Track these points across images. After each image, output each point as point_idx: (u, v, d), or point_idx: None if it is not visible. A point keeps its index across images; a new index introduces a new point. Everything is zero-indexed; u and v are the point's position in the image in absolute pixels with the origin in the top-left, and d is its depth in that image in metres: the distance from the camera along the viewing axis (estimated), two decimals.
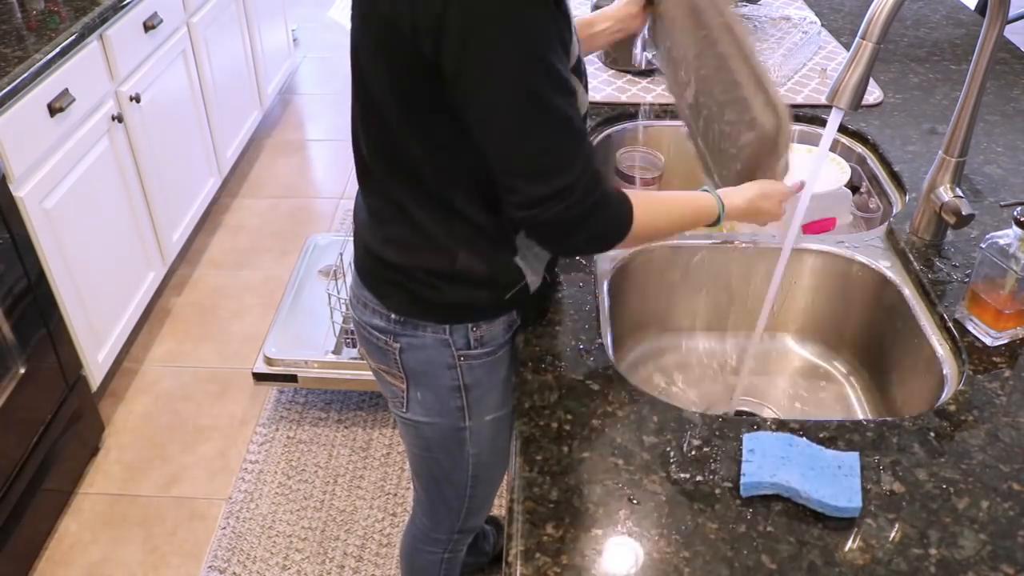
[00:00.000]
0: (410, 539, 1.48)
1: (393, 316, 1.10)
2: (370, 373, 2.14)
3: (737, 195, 1.14)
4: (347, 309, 2.26)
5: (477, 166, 0.95)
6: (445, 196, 1.01)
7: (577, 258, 1.23)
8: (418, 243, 1.04)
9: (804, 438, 0.93)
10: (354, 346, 2.18)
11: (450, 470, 1.27)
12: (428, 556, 1.46)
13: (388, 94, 0.96)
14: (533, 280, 1.09)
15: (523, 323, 1.14)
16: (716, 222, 1.11)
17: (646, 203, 1.03)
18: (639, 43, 1.70)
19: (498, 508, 1.99)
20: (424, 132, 0.96)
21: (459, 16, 0.84)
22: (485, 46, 0.85)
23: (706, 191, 1.13)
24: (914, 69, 1.82)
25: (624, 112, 1.64)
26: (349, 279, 2.32)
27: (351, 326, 2.21)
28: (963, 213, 1.19)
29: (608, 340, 1.10)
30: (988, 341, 1.09)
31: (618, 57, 1.76)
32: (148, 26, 2.39)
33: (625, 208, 0.99)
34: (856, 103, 1.09)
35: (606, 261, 1.25)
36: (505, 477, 1.20)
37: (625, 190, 1.02)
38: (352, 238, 1.19)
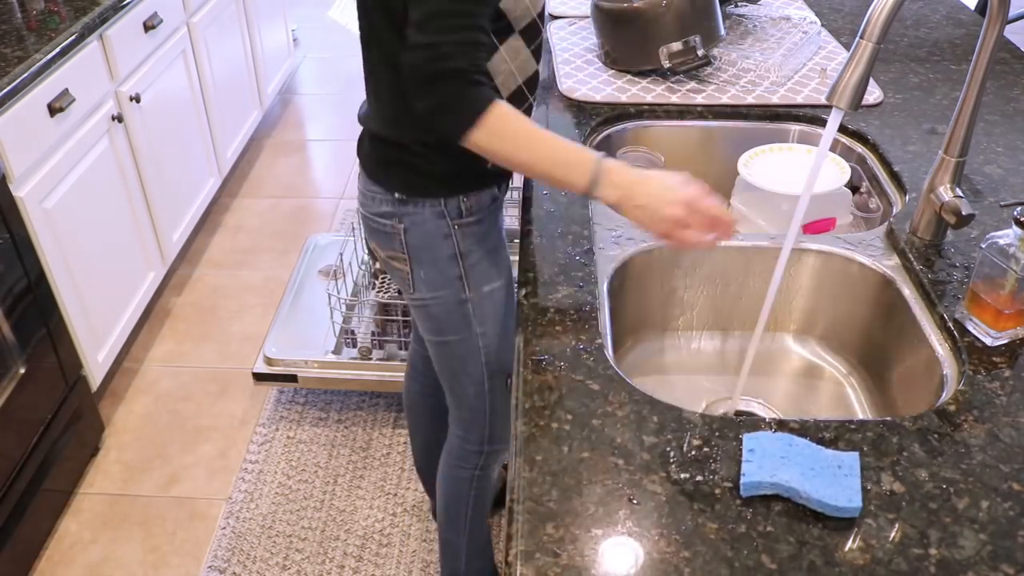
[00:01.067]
0: (445, 456, 1.56)
1: (396, 195, 1.24)
2: (370, 373, 2.16)
3: (627, 173, 1.06)
4: (347, 309, 2.26)
5: None
6: None
7: (577, 254, 1.23)
8: (409, 119, 1.15)
9: (804, 438, 0.93)
10: (354, 346, 2.19)
11: (464, 357, 1.37)
12: (461, 472, 1.53)
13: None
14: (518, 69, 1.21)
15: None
16: (587, 190, 1.06)
17: (515, 118, 1.06)
18: None
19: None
20: (399, 24, 1.09)
21: None
22: None
23: (601, 157, 1.07)
24: (914, 69, 1.82)
25: (624, 112, 1.64)
26: (349, 278, 2.33)
27: (351, 326, 2.21)
28: (963, 213, 1.19)
29: (608, 340, 1.10)
30: (988, 341, 1.09)
31: (618, 57, 1.76)
32: (148, 26, 2.39)
33: (482, 98, 1.04)
34: (856, 103, 1.09)
35: (606, 261, 1.25)
36: (505, 477, 1.20)
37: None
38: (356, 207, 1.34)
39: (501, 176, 1.29)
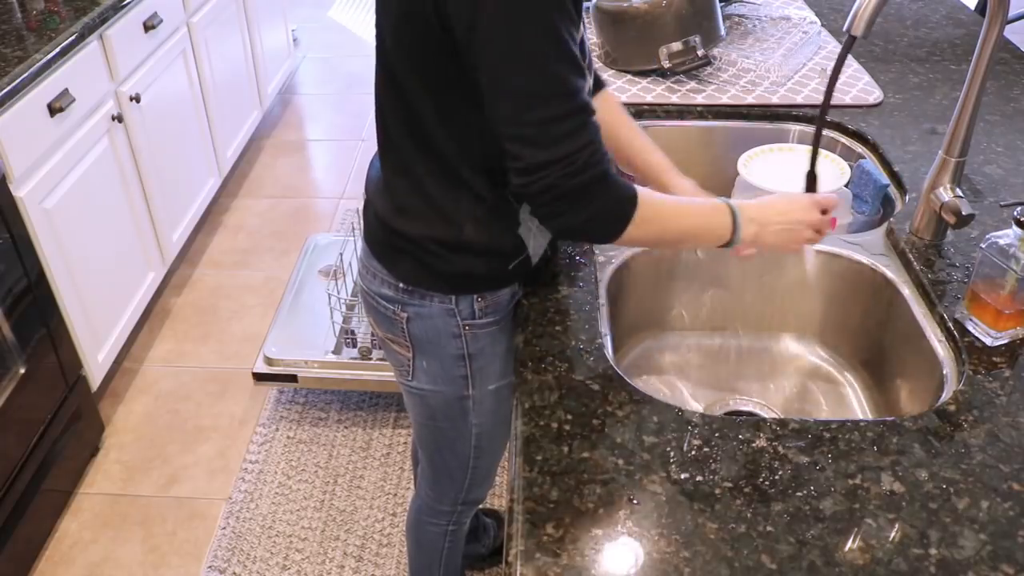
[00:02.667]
0: (415, 512, 1.51)
1: (401, 285, 1.13)
2: (370, 373, 2.16)
3: (753, 206, 1.08)
4: (347, 309, 2.26)
5: (489, 142, 0.97)
6: (456, 169, 1.04)
7: (577, 254, 1.23)
8: (428, 213, 1.07)
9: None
10: (354, 346, 2.18)
11: (454, 439, 1.30)
12: (432, 529, 1.48)
13: (409, 71, 0.99)
14: (536, 252, 1.12)
15: (532, 287, 1.17)
16: (730, 242, 1.07)
17: (654, 199, 1.02)
18: None
19: (497, 499, 1.99)
20: (440, 107, 1.00)
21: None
22: (502, 20, 0.88)
23: (724, 201, 1.08)
24: (914, 69, 1.82)
25: None
26: (349, 278, 2.32)
27: (351, 326, 2.21)
28: (963, 213, 1.19)
29: (608, 340, 1.10)
30: (988, 341, 1.09)
31: (618, 57, 1.76)
32: (148, 26, 2.39)
33: (628, 194, 0.99)
34: (867, 30, 1.09)
35: (606, 261, 1.25)
36: (506, 476, 1.20)
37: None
38: (361, 219, 1.23)
39: (524, 276, 1.15)
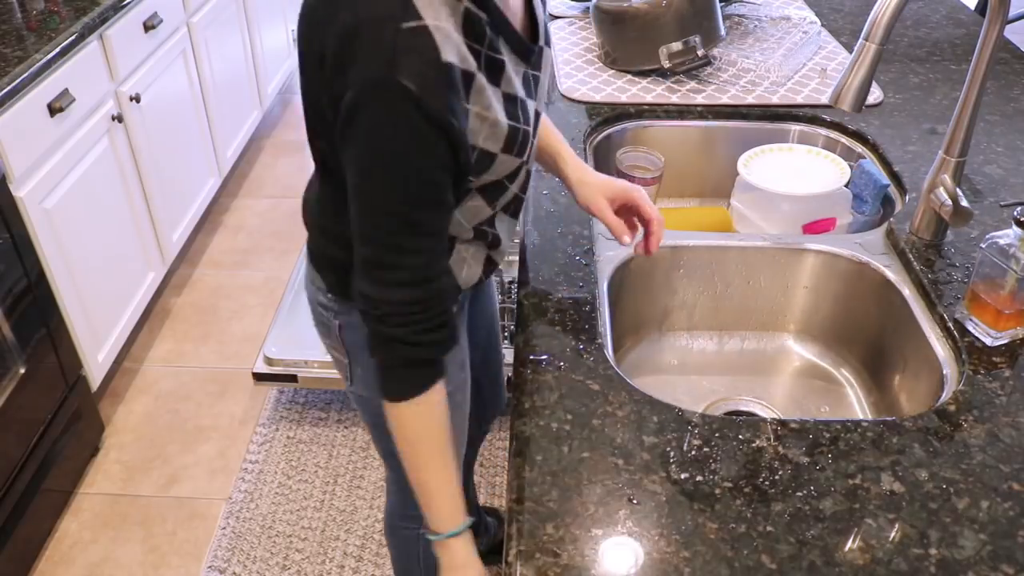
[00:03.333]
0: (387, 518, 1.51)
1: (330, 295, 1.13)
2: None
3: (469, 556, 1.03)
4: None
5: None
6: None
7: (577, 254, 1.23)
8: (338, 235, 1.04)
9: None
10: None
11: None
12: (405, 532, 1.48)
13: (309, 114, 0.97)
14: (468, 280, 1.09)
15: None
16: (436, 532, 1.02)
17: (441, 424, 0.98)
18: None
19: (498, 499, 1.99)
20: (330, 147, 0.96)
21: (352, 122, 0.84)
22: (363, 165, 0.86)
23: (466, 526, 1.03)
24: (914, 69, 1.82)
25: (624, 112, 1.64)
26: None
27: None
28: (961, 204, 1.18)
29: (608, 340, 1.10)
30: (988, 341, 1.09)
31: (618, 57, 1.76)
32: (148, 26, 2.39)
33: (425, 378, 0.96)
34: (859, 105, 1.09)
35: (606, 261, 1.25)
36: (505, 476, 1.19)
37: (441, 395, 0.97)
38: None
39: (455, 291, 1.10)
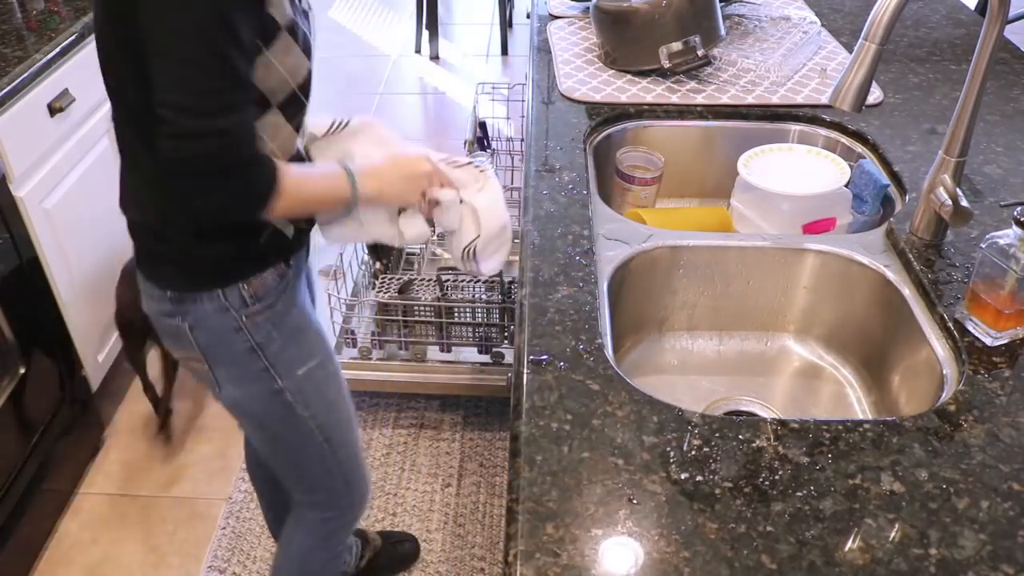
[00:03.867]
0: (298, 546, 1.42)
1: (170, 294, 1.13)
2: (370, 373, 2.16)
3: (373, 178, 1.14)
4: (347, 309, 2.26)
5: None
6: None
7: (577, 254, 1.23)
8: (161, 201, 1.06)
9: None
10: (354, 346, 2.19)
11: (298, 445, 1.28)
12: (325, 554, 1.43)
13: (103, 19, 0.99)
14: (285, 223, 1.14)
15: (292, 260, 1.18)
16: (352, 201, 1.13)
17: (290, 171, 1.05)
18: None
19: (494, 499, 1.99)
20: (129, 64, 0.97)
21: None
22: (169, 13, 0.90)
23: (340, 163, 1.13)
24: (914, 69, 1.82)
25: (624, 112, 1.64)
26: (349, 278, 2.32)
27: (351, 326, 2.21)
28: (961, 204, 1.18)
29: (608, 340, 1.10)
30: (988, 341, 1.09)
31: (618, 57, 1.76)
32: None
33: (271, 168, 1.02)
34: (859, 105, 1.09)
35: (606, 261, 1.25)
36: (506, 476, 1.19)
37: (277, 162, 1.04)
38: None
39: (283, 253, 1.17)
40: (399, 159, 1.17)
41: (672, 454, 0.92)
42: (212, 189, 0.97)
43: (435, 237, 2.56)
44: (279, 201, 1.03)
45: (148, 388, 2.19)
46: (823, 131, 1.62)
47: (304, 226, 1.20)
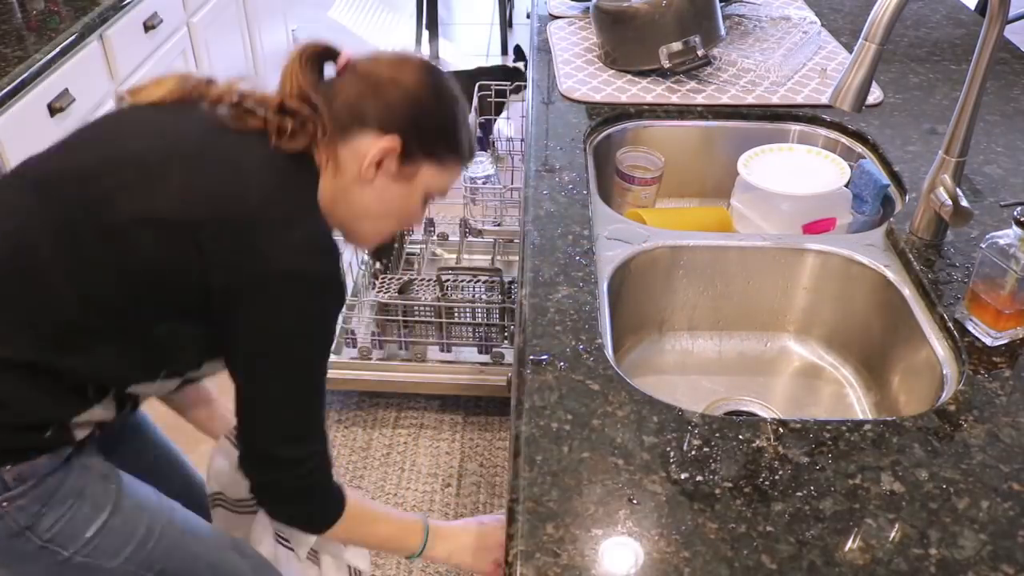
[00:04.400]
0: None
1: (12, 482, 0.97)
2: (370, 373, 2.16)
3: (447, 541, 1.19)
4: (347, 309, 2.26)
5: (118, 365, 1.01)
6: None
7: (577, 254, 1.23)
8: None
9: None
10: (354, 346, 2.19)
11: None
12: None
13: (73, 285, 0.94)
14: (85, 427, 1.03)
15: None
16: (416, 550, 1.18)
17: (359, 511, 1.13)
18: None
19: (494, 499, 1.99)
20: (91, 309, 0.95)
21: (259, 293, 0.97)
22: (278, 337, 1.00)
23: (422, 517, 1.20)
24: (914, 69, 1.82)
25: (624, 112, 1.64)
26: (349, 279, 2.32)
27: (351, 326, 2.21)
28: (961, 204, 1.18)
29: (608, 340, 1.10)
30: (988, 341, 1.09)
31: (618, 57, 1.76)
32: (148, 26, 2.39)
33: (340, 504, 1.10)
34: (859, 105, 1.09)
35: (606, 261, 1.25)
36: (506, 477, 1.19)
37: (346, 490, 1.11)
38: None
39: (71, 444, 1.01)
40: (486, 528, 1.22)
41: (672, 454, 0.92)
42: (281, 506, 1.09)
43: (435, 237, 2.56)
44: (341, 527, 1.10)
45: None
46: (823, 131, 1.62)
47: (120, 421, 1.09)
